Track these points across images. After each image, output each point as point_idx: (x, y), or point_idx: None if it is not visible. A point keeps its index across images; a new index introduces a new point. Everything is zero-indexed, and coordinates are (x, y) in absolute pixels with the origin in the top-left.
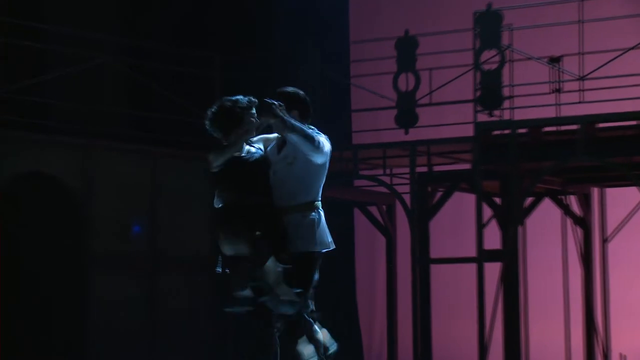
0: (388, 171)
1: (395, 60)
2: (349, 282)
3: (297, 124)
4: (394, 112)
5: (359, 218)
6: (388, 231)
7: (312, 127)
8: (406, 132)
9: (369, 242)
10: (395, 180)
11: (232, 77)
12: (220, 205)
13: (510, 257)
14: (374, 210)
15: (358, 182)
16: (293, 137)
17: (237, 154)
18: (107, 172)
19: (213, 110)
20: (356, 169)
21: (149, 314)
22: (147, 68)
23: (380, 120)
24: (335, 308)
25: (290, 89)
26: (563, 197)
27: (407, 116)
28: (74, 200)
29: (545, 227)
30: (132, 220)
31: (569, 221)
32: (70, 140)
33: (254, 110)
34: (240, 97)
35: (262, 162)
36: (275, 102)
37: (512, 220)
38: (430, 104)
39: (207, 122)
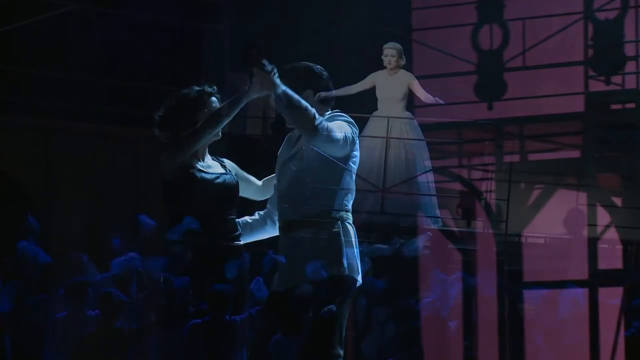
0: (465, 161)
1: (474, 7)
2: (410, 315)
3: (302, 100)
4: (473, 78)
5: None
6: (464, 244)
7: (337, 110)
8: (490, 107)
9: (438, 259)
10: (475, 174)
11: (245, 33)
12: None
13: (635, 279)
14: (445, 214)
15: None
16: (290, 117)
17: (202, 170)
18: (75, 164)
19: (161, 113)
20: None
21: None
22: (128, 20)
23: (453, 90)
24: (390, 352)
25: (301, 63)
26: None
27: (491, 84)
28: (29, 202)
29: None
30: (111, 229)
31: None
32: (24, 120)
33: (213, 98)
34: (188, 89)
35: (230, 187)
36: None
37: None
38: (523, 68)
39: (155, 129)
